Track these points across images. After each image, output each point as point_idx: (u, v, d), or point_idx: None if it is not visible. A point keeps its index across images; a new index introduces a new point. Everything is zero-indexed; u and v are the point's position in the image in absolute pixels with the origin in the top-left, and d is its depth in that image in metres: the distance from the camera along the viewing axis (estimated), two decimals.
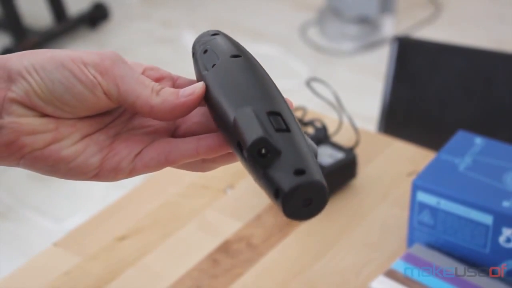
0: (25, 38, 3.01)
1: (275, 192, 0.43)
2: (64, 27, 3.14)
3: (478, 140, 0.96)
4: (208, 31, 0.57)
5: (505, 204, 0.86)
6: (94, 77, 0.49)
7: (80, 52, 0.50)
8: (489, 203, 0.87)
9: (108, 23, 3.31)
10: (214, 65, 0.52)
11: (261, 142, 0.45)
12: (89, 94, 0.49)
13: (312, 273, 0.95)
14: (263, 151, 0.44)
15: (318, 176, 0.44)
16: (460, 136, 0.98)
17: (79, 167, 0.50)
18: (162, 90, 0.50)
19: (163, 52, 3.06)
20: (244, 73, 0.50)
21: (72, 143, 0.50)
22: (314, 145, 0.49)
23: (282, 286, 0.94)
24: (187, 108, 0.50)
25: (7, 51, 2.94)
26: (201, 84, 0.51)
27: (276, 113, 0.48)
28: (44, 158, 0.49)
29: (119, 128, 0.53)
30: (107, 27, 3.30)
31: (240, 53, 0.53)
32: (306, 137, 0.49)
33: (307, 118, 1.15)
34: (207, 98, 0.51)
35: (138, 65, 0.54)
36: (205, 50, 0.54)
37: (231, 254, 0.98)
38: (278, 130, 0.46)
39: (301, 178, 0.43)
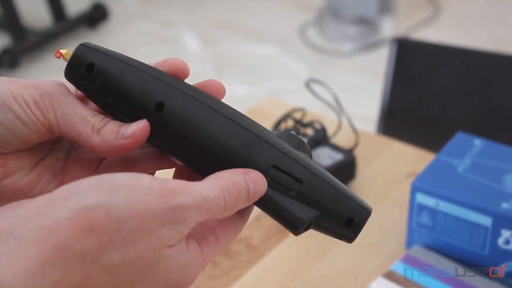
0: (24, 38, 3.01)
1: (348, 221, 0.49)
2: (64, 27, 3.14)
3: (477, 142, 0.96)
4: None
5: (504, 205, 0.86)
6: (35, 116, 0.48)
7: (20, 86, 0.48)
8: (488, 205, 0.87)
9: (108, 23, 3.31)
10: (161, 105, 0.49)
11: (303, 225, 0.48)
12: (32, 133, 0.48)
13: (311, 274, 0.95)
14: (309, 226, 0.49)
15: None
16: (459, 137, 0.98)
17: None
18: (103, 128, 0.49)
19: (163, 52, 3.06)
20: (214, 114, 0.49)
21: (25, 174, 0.49)
22: (308, 147, 0.51)
23: (281, 287, 0.94)
24: (128, 150, 0.49)
25: (6, 51, 2.94)
26: (142, 125, 0.49)
27: (278, 168, 0.49)
28: (1, 194, 0.48)
29: (67, 148, 0.52)
30: (106, 27, 3.29)
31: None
32: (301, 139, 0.50)
33: (307, 119, 1.15)
34: (164, 141, 0.50)
35: None
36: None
37: (230, 255, 0.98)
38: (287, 188, 0.48)
39: (367, 209, 0.51)
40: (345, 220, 0.49)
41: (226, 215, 0.46)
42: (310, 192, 0.48)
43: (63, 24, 3.14)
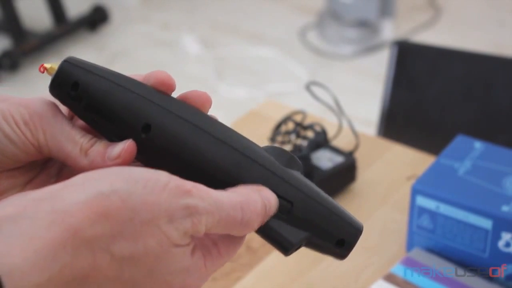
0: (25, 40, 3.02)
1: (339, 242, 0.49)
2: (64, 29, 3.14)
3: (478, 145, 0.96)
4: None
5: (505, 208, 0.86)
6: (25, 136, 0.48)
7: (9, 105, 0.48)
8: (489, 208, 0.87)
9: (108, 26, 3.32)
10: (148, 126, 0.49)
11: (294, 248, 0.49)
12: (21, 153, 0.48)
13: (311, 277, 0.95)
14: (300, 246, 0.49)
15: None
16: (460, 140, 0.98)
17: None
18: (91, 149, 0.48)
19: (163, 54, 3.06)
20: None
21: (17, 192, 0.49)
22: (299, 162, 0.51)
23: None
24: None
25: (7, 53, 2.94)
26: (127, 146, 0.48)
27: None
28: None
29: (59, 165, 0.52)
30: (106, 30, 3.30)
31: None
32: (290, 155, 0.50)
33: (307, 121, 1.15)
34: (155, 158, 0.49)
35: None
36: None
37: None
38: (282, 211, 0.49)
39: (358, 228, 0.50)
40: (336, 240, 0.49)
41: (244, 231, 0.46)
42: (300, 214, 0.48)
43: (64, 26, 3.15)
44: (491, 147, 0.96)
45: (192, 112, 0.49)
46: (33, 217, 0.40)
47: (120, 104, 0.49)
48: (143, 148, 0.48)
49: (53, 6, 3.13)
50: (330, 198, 0.49)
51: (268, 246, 0.98)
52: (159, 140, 0.48)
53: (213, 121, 0.49)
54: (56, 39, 3.11)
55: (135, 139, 0.48)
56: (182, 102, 0.50)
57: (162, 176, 0.44)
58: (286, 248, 0.48)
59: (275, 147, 0.51)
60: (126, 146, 0.48)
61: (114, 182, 0.42)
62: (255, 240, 1.00)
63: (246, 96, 2.76)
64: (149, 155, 0.49)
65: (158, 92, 0.49)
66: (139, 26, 3.34)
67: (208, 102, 0.50)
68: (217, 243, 0.47)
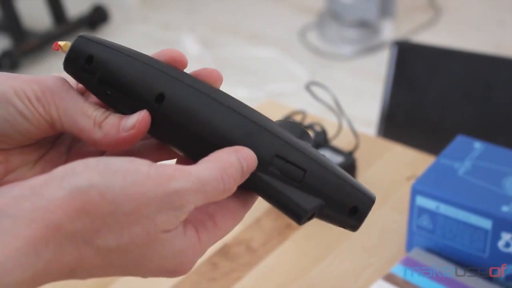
0: (24, 40, 3.02)
1: (351, 210, 0.49)
2: (64, 29, 3.14)
3: (478, 145, 0.96)
4: None
5: (504, 208, 0.86)
6: (38, 111, 0.48)
7: (21, 82, 0.48)
8: (488, 208, 0.87)
9: (108, 26, 3.32)
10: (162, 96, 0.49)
11: (307, 215, 0.48)
12: (34, 129, 0.48)
13: (311, 277, 0.95)
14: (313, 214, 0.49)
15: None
16: (460, 140, 0.98)
17: None
18: (105, 122, 0.49)
19: None
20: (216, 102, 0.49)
21: (28, 169, 0.49)
22: (310, 136, 0.51)
23: None
24: (130, 142, 0.49)
25: (6, 53, 2.94)
26: (142, 116, 0.48)
27: (281, 157, 0.48)
28: None
29: (69, 142, 0.52)
30: (106, 30, 3.30)
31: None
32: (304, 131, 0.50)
33: (307, 122, 1.15)
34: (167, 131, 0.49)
35: None
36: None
37: (230, 258, 0.97)
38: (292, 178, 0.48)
39: (371, 198, 0.50)
40: (349, 209, 0.49)
41: (225, 197, 0.46)
42: (313, 181, 0.48)
43: (63, 26, 3.15)
44: (491, 147, 0.96)
45: (204, 85, 0.50)
46: (13, 215, 0.40)
47: (134, 75, 0.49)
48: (156, 120, 0.49)
49: (53, 6, 3.13)
50: (342, 169, 0.50)
51: (268, 245, 0.98)
52: (172, 110, 0.48)
53: (226, 94, 0.50)
54: (56, 39, 3.10)
55: (148, 111, 0.48)
56: (195, 77, 0.50)
57: (142, 166, 0.44)
58: (299, 215, 0.48)
59: (288, 121, 0.51)
60: (141, 117, 0.48)
61: (91, 176, 0.42)
62: (255, 240, 1.00)
63: (246, 96, 2.76)
64: (162, 127, 0.49)
65: (170, 66, 0.50)
66: (139, 26, 3.34)
67: (219, 79, 0.51)
68: (213, 215, 0.47)
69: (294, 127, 0.50)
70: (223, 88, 0.51)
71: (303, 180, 0.48)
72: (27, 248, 0.40)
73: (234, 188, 0.46)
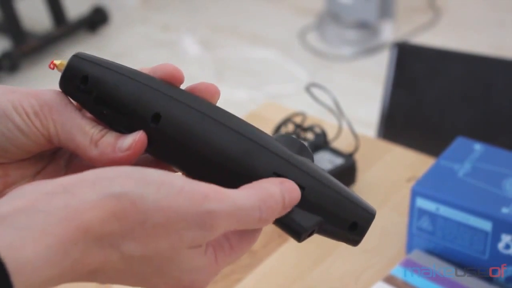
0: (24, 41, 3.02)
1: (351, 225, 0.50)
2: (64, 31, 3.14)
3: (478, 147, 0.96)
4: None
5: (504, 210, 0.86)
6: (35, 126, 0.48)
7: (20, 96, 0.48)
8: (488, 210, 0.87)
9: (108, 27, 3.32)
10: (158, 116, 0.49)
11: (306, 233, 0.48)
12: (32, 143, 0.48)
13: (311, 278, 0.95)
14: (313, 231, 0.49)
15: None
16: (460, 142, 0.98)
17: None
18: (101, 140, 0.48)
19: (162, 56, 3.06)
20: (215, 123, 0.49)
21: (27, 183, 0.48)
22: (310, 151, 0.51)
23: None
24: (126, 163, 0.48)
25: (6, 54, 2.94)
26: (138, 137, 0.48)
27: (279, 175, 0.48)
28: None
29: (68, 156, 0.52)
30: (106, 31, 3.30)
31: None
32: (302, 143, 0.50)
33: (307, 123, 1.15)
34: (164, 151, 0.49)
35: None
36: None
37: None
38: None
39: (371, 212, 0.51)
40: (348, 224, 0.49)
41: (262, 227, 0.46)
42: (312, 198, 0.48)
43: (63, 28, 3.15)
44: (491, 149, 0.96)
45: (201, 102, 0.49)
46: (45, 211, 0.40)
47: (130, 94, 0.49)
48: (153, 139, 0.48)
49: (53, 7, 3.13)
50: (341, 184, 0.50)
51: (268, 247, 0.98)
52: (169, 129, 0.48)
53: (222, 110, 0.49)
54: (56, 40, 3.11)
55: (145, 130, 0.48)
56: (191, 93, 0.50)
57: (176, 180, 0.43)
58: (299, 233, 0.48)
59: (286, 136, 0.51)
60: (137, 137, 0.48)
61: (125, 183, 0.42)
62: None
63: (246, 98, 2.76)
64: (159, 146, 0.49)
65: (166, 83, 0.50)
66: (139, 27, 3.34)
67: (216, 93, 0.50)
68: (230, 238, 0.47)
69: (293, 142, 0.50)
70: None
71: (302, 198, 0.48)
72: (58, 247, 0.40)
73: (272, 220, 0.46)
